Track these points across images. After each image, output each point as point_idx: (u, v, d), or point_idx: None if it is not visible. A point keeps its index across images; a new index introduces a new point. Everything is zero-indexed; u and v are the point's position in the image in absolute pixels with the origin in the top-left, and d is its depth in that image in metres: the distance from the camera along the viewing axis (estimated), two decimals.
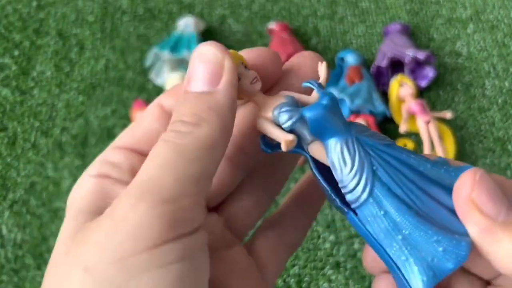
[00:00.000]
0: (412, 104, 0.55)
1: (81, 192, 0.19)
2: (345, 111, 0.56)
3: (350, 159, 0.18)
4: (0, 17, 0.67)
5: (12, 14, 0.67)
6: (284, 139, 0.18)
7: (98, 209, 0.18)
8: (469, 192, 0.17)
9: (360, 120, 0.53)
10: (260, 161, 0.23)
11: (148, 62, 0.60)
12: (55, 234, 0.49)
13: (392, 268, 0.18)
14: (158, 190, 0.16)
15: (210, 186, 0.18)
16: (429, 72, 0.58)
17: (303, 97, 0.20)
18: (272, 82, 0.21)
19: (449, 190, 0.18)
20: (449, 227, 0.18)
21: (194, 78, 0.18)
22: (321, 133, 0.19)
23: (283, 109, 0.19)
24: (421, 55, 0.56)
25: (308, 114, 0.18)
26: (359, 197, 0.18)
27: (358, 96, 0.54)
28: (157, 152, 0.17)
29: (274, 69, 0.21)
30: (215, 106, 0.18)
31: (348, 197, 0.18)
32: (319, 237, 0.49)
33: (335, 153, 0.19)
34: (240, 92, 0.19)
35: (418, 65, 0.58)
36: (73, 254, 0.16)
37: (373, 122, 0.54)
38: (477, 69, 0.60)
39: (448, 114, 0.54)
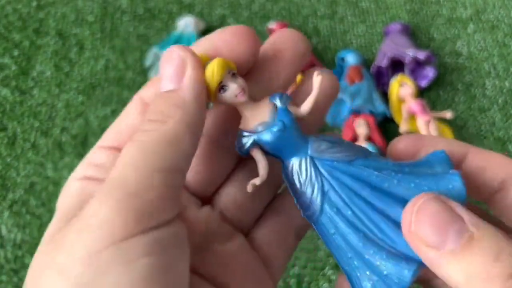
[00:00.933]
0: (412, 104, 0.55)
1: (67, 195, 0.19)
2: (345, 111, 0.56)
3: (302, 180, 0.19)
4: (0, 17, 0.67)
5: (11, 14, 0.67)
6: (260, 176, 0.19)
7: None
8: (408, 226, 0.16)
9: (361, 120, 0.53)
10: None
11: (148, 62, 0.60)
12: None
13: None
14: (123, 186, 0.16)
15: (182, 180, 0.18)
16: (429, 72, 0.58)
17: (292, 108, 0.20)
18: (248, 66, 0.21)
19: None
20: (402, 249, 0.17)
21: (162, 78, 0.19)
22: (277, 155, 0.19)
23: (243, 134, 0.19)
24: (421, 55, 0.56)
25: (259, 140, 0.19)
26: (312, 215, 0.19)
27: (358, 96, 0.54)
28: (125, 151, 0.18)
29: (250, 52, 0.20)
30: (179, 102, 0.18)
31: (304, 214, 0.19)
32: (319, 237, 0.49)
33: (288, 174, 0.19)
34: (223, 102, 0.19)
35: (418, 65, 0.58)
36: (49, 256, 0.16)
37: (373, 122, 0.53)
38: (477, 69, 0.60)
39: (448, 114, 0.54)
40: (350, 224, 0.18)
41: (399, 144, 0.21)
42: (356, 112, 0.54)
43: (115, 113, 0.57)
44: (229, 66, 0.19)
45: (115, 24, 0.65)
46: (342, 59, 0.59)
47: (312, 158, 0.19)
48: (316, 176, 0.19)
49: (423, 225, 0.16)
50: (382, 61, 0.57)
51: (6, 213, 0.51)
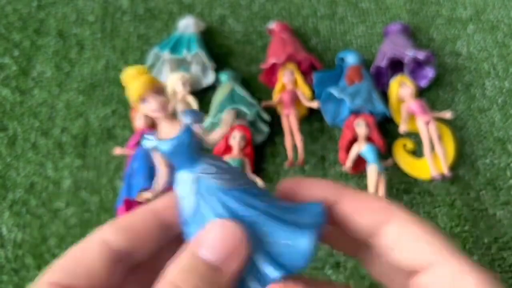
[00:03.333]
0: (412, 104, 0.55)
1: None
2: (345, 111, 0.56)
3: (182, 192, 0.21)
4: (0, 17, 0.67)
5: (12, 14, 0.67)
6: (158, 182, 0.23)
7: None
8: None
9: (360, 120, 0.53)
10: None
11: (148, 62, 0.60)
12: (55, 234, 0.49)
13: None
14: None
15: None
16: (429, 72, 0.58)
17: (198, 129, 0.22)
18: None
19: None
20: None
21: (209, 246, 0.19)
22: (172, 164, 0.22)
23: (147, 137, 0.22)
24: (421, 55, 0.56)
25: (158, 148, 0.21)
26: (183, 223, 0.21)
27: (358, 96, 0.54)
28: None
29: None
30: (217, 283, 0.18)
31: (180, 219, 0.22)
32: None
33: (175, 183, 0.22)
34: (144, 113, 0.22)
35: (418, 65, 0.58)
36: None
37: (373, 122, 0.53)
38: (477, 69, 0.60)
39: (448, 114, 0.54)
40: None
41: (280, 187, 0.22)
42: (355, 112, 0.54)
43: (115, 113, 0.57)
44: (154, 84, 0.21)
45: (116, 24, 0.65)
46: (342, 60, 0.59)
47: (198, 177, 0.21)
48: (194, 193, 0.21)
49: None
50: (381, 61, 0.57)
51: (6, 213, 0.51)
